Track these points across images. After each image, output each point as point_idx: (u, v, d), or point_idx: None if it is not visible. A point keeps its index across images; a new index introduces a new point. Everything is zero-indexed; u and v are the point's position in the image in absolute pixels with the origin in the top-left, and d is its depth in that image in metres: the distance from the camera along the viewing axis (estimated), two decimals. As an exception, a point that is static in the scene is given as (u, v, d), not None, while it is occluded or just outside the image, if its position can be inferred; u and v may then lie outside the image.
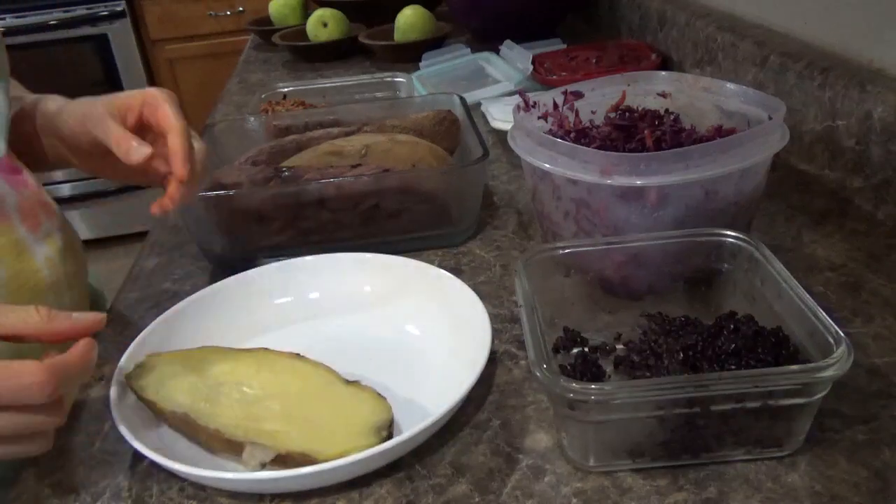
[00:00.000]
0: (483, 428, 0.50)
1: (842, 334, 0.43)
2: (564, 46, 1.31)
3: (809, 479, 0.44)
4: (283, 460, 0.47)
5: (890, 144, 0.68)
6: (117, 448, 0.51)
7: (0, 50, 0.65)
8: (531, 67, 1.15)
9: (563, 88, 0.70)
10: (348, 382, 0.51)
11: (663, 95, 0.70)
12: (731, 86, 0.66)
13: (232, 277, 0.64)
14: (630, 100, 0.70)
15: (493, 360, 0.56)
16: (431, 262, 0.63)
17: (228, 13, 2.75)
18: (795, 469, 0.44)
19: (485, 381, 0.53)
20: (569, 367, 0.51)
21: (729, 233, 0.54)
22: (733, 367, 0.47)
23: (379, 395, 0.50)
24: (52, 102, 0.67)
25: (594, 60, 1.16)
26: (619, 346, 0.54)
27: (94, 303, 0.75)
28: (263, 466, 0.47)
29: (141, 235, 0.87)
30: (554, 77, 1.11)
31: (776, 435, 0.45)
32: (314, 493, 0.46)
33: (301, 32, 1.56)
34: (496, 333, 0.58)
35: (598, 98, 0.70)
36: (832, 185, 0.76)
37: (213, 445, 0.49)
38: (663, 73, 0.72)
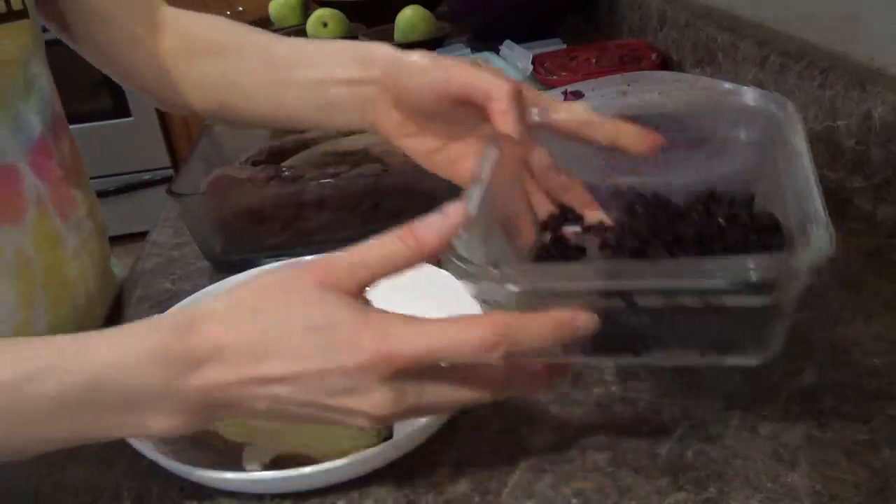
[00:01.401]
0: (483, 428, 0.50)
1: (824, 227, 0.36)
2: (564, 46, 1.31)
3: (809, 479, 0.44)
4: (283, 460, 0.47)
5: (890, 144, 0.68)
6: (117, 448, 0.51)
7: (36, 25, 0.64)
8: (531, 67, 1.15)
9: (563, 88, 0.70)
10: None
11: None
12: (731, 86, 0.66)
13: (232, 277, 0.64)
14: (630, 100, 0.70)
15: (493, 360, 0.56)
16: (431, 262, 0.63)
17: (228, 13, 2.75)
18: (795, 469, 0.44)
19: (485, 381, 0.53)
20: (543, 249, 0.47)
21: (749, 90, 0.47)
22: (690, 255, 0.41)
23: (379, 395, 0.50)
24: (382, 50, 0.58)
25: (594, 60, 1.16)
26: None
27: (112, 286, 0.76)
28: (263, 466, 0.47)
29: (141, 235, 0.88)
30: (554, 77, 1.11)
31: (736, 340, 0.39)
32: (314, 493, 0.46)
33: (301, 32, 1.56)
34: (496, 333, 0.58)
35: (598, 98, 0.70)
36: (832, 185, 0.76)
37: (213, 446, 0.49)
38: (663, 73, 0.72)
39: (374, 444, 0.45)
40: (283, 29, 1.61)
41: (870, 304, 0.58)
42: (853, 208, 0.72)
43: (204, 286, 0.63)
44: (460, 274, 0.39)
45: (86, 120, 2.69)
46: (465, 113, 0.53)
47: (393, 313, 0.39)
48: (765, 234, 0.41)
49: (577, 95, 0.70)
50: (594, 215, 0.51)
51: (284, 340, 0.38)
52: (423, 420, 0.46)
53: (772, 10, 0.94)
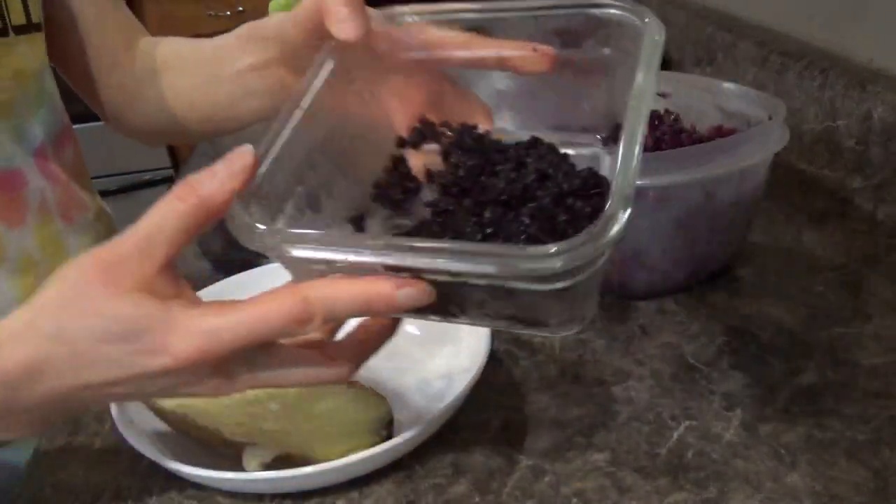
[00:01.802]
0: (483, 428, 0.50)
1: (619, 206, 0.31)
2: (564, 46, 1.30)
3: (809, 479, 0.44)
4: (283, 460, 0.47)
5: (890, 144, 0.68)
6: (117, 448, 0.51)
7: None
8: (531, 67, 1.15)
9: (563, 88, 0.70)
10: (348, 382, 0.51)
11: (663, 95, 0.70)
12: (730, 86, 0.66)
13: (232, 277, 0.64)
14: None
15: (492, 359, 0.56)
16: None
17: (228, 13, 2.75)
18: (795, 469, 0.44)
19: (485, 381, 0.53)
20: (385, 175, 0.43)
21: (607, 1, 0.40)
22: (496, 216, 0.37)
23: (379, 394, 0.50)
24: (272, 23, 0.55)
25: (594, 60, 1.15)
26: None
27: None
28: (263, 466, 0.47)
29: (141, 235, 0.88)
30: (554, 77, 1.11)
31: (535, 316, 0.36)
32: (314, 493, 0.46)
33: (301, 32, 1.56)
34: (496, 333, 0.58)
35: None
36: (832, 185, 0.76)
37: (213, 446, 0.49)
38: (663, 73, 0.72)
39: (374, 444, 0.45)
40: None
41: (870, 304, 0.58)
42: (853, 208, 0.72)
43: (204, 286, 0.63)
44: (238, 234, 0.36)
45: (87, 120, 2.67)
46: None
47: (198, 305, 0.37)
48: (583, 194, 0.36)
49: (577, 95, 0.70)
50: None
51: (94, 351, 0.36)
52: (423, 420, 0.46)
53: (772, 10, 0.94)
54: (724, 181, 0.57)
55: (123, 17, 0.70)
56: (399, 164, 0.44)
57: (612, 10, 0.39)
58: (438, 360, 0.56)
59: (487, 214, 0.37)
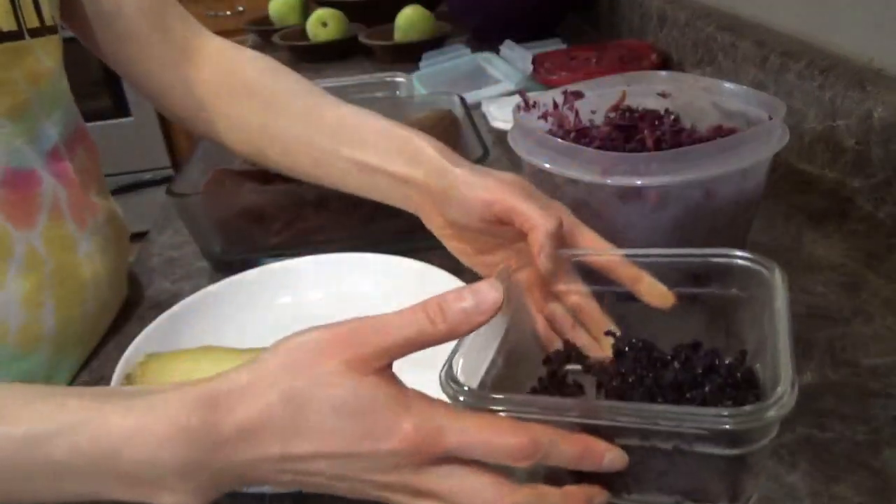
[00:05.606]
0: (483, 428, 0.50)
1: (789, 385, 0.36)
2: (564, 46, 1.31)
3: (809, 479, 0.44)
4: (283, 460, 0.47)
5: (890, 144, 0.68)
6: (117, 448, 0.51)
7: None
8: (531, 67, 1.15)
9: (563, 88, 0.70)
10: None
11: (663, 95, 0.70)
12: (730, 86, 0.66)
13: (232, 277, 0.64)
14: (630, 100, 0.70)
15: (493, 360, 0.56)
16: (431, 263, 0.63)
17: (228, 13, 2.75)
18: (795, 469, 0.44)
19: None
20: (539, 382, 0.49)
21: (739, 254, 0.47)
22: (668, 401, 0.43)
23: (379, 395, 0.50)
24: (429, 151, 0.59)
25: (594, 60, 1.16)
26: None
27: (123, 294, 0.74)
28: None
29: (141, 235, 0.88)
30: (554, 77, 1.11)
31: (708, 488, 0.40)
32: (314, 493, 0.46)
33: (301, 32, 1.56)
34: (496, 333, 0.58)
35: (598, 98, 0.70)
36: (832, 185, 0.76)
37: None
38: (663, 73, 0.72)
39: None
40: (282, 28, 1.61)
41: (870, 304, 0.58)
42: (853, 208, 0.72)
43: (204, 286, 0.63)
44: (444, 389, 0.41)
45: (86, 120, 2.69)
46: (504, 229, 0.54)
47: (433, 402, 0.39)
48: (741, 388, 0.42)
49: (578, 95, 0.70)
50: (598, 356, 0.50)
51: (320, 420, 0.36)
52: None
53: (772, 10, 0.94)
54: (725, 181, 0.57)
55: None
56: (553, 375, 0.49)
57: (741, 261, 0.46)
58: (439, 361, 0.56)
59: (660, 400, 0.42)
